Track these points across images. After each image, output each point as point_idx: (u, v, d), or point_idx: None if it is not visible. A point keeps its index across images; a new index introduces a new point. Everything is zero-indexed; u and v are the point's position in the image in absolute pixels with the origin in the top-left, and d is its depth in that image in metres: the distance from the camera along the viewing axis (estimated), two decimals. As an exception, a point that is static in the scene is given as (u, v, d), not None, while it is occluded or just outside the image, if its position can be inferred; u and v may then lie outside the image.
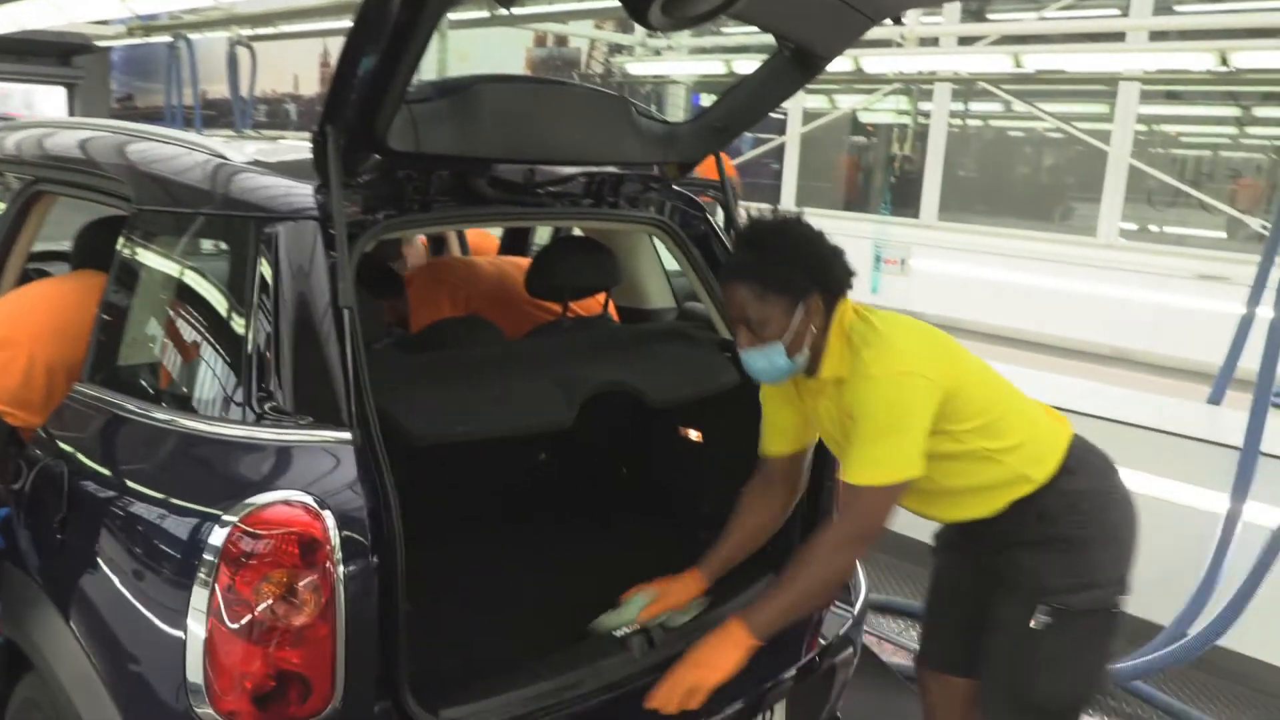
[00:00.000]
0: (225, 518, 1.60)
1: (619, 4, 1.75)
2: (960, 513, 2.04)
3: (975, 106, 10.93)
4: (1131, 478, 3.15)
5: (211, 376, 1.85)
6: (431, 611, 1.93)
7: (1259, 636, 3.12)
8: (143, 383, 1.98)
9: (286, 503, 1.61)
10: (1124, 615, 1.99)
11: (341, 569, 1.61)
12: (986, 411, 1.95)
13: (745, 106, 2.40)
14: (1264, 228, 7.65)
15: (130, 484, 1.82)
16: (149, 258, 2.04)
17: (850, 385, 1.89)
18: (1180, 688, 3.24)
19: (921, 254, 9.43)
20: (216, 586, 1.58)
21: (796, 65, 2.26)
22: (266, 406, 1.73)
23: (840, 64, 8.29)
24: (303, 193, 1.88)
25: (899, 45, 8.36)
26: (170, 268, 2.00)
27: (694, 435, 2.83)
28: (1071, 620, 1.94)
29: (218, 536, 1.59)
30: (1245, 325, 3.73)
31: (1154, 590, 3.19)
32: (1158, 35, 7.88)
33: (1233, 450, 3.06)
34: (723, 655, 1.85)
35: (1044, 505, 1.96)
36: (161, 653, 1.63)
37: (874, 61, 8.25)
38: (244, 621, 1.57)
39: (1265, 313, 4.11)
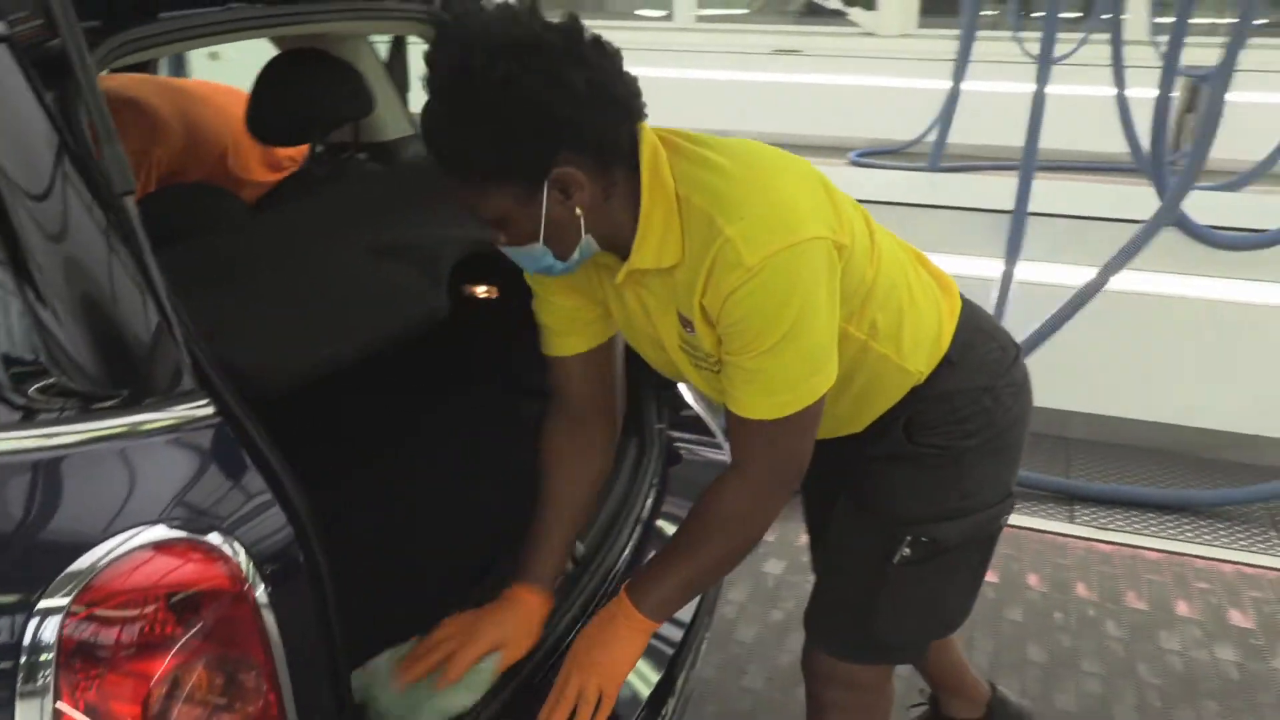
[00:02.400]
0: (42, 605, 0.88)
1: None
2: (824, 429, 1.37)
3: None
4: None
5: None
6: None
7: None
8: None
9: (147, 547, 0.92)
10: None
11: (273, 619, 0.98)
12: (865, 279, 1.34)
13: None
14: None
15: None
16: None
17: (698, 278, 1.21)
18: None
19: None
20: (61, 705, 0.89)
21: None
22: (31, 391, 0.97)
23: None
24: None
25: None
26: None
27: (483, 292, 2.31)
28: (939, 555, 1.49)
29: (48, 630, 0.88)
30: (953, 99, 3.86)
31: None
32: None
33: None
34: (622, 649, 1.32)
35: (916, 412, 1.46)
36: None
37: None
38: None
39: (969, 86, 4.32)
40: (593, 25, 1.14)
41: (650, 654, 1.47)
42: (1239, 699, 2.36)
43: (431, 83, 1.12)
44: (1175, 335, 3.30)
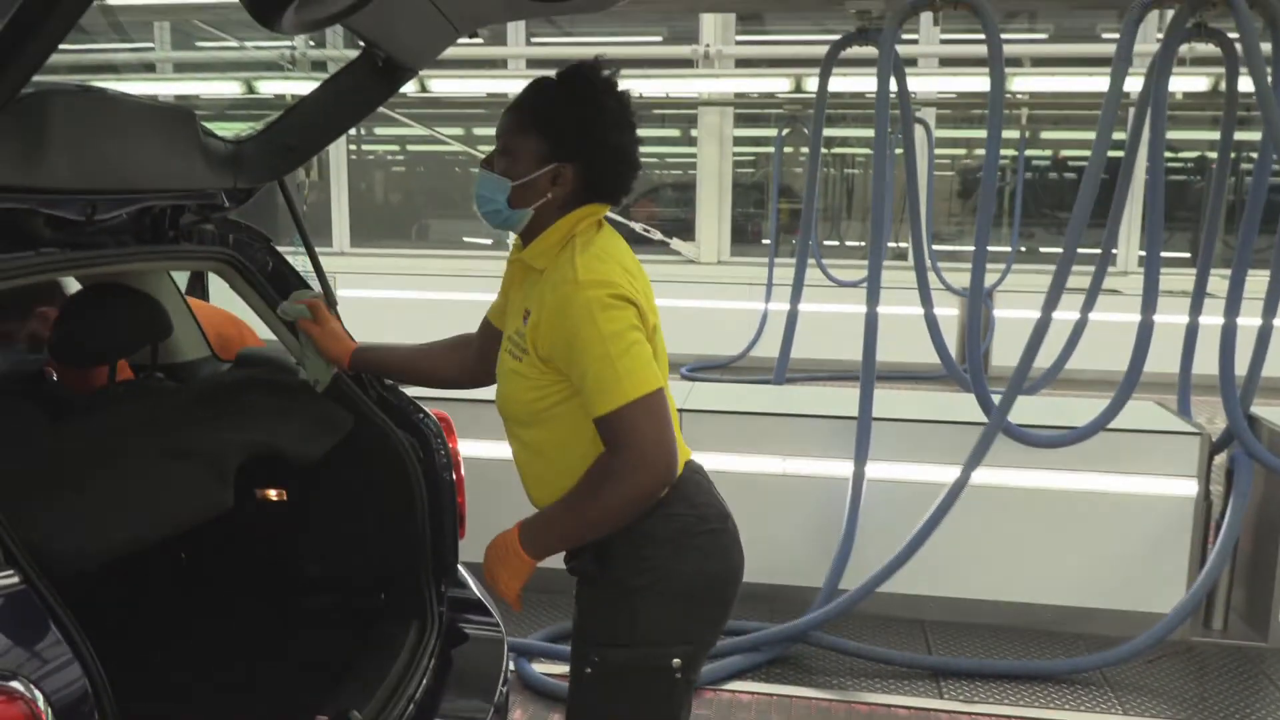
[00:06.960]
0: None
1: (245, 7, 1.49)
2: (538, 491, 1.83)
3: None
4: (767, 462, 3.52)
5: None
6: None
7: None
8: None
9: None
10: (686, 679, 1.74)
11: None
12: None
13: (321, 122, 2.19)
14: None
15: None
16: None
17: (550, 288, 1.67)
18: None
19: (344, 283, 9.32)
20: None
21: (384, 76, 2.12)
22: None
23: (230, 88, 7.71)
24: None
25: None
26: None
27: (274, 495, 2.52)
28: (612, 676, 1.73)
29: None
30: (792, 319, 4.34)
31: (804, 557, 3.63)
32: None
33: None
34: (505, 569, 1.73)
35: (605, 542, 1.72)
36: None
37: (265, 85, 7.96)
38: None
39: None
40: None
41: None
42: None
43: (574, 71, 1.72)
44: (1001, 522, 3.63)
